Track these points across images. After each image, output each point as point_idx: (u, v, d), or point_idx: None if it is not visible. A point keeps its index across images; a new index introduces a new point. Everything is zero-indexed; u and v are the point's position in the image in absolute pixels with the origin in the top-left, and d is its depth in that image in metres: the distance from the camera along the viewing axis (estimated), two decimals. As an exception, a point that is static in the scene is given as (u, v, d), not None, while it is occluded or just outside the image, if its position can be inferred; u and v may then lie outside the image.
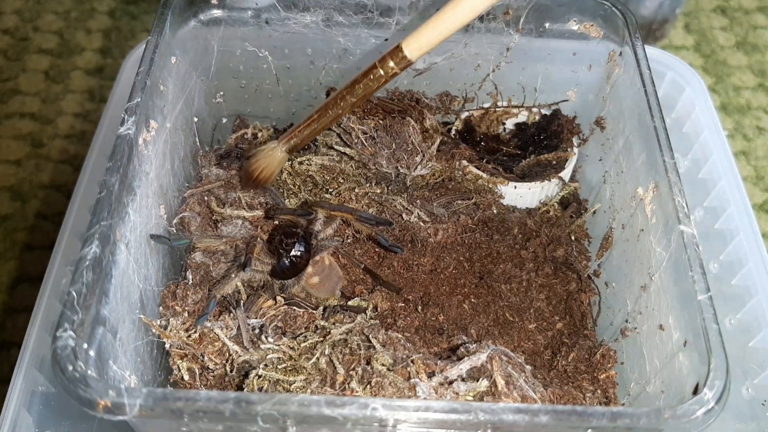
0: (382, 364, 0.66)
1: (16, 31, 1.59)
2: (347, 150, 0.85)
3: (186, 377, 0.72)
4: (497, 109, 0.95)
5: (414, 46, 0.69)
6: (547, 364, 0.76)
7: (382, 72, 0.71)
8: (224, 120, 1.00)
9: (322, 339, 0.71)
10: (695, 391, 0.56)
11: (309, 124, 0.75)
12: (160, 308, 0.75)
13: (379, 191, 0.83)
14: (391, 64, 0.70)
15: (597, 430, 0.55)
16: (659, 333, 0.67)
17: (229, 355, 0.73)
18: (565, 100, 0.94)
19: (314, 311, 0.74)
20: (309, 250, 0.74)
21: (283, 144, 0.77)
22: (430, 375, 0.65)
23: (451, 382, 0.64)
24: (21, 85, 1.48)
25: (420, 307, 0.77)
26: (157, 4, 0.82)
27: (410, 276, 0.79)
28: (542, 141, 0.93)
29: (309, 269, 0.75)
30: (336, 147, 0.86)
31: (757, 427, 0.76)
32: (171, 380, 0.74)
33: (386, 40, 0.89)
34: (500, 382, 0.64)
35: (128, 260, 0.67)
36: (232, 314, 0.75)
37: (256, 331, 0.74)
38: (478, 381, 0.64)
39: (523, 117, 0.96)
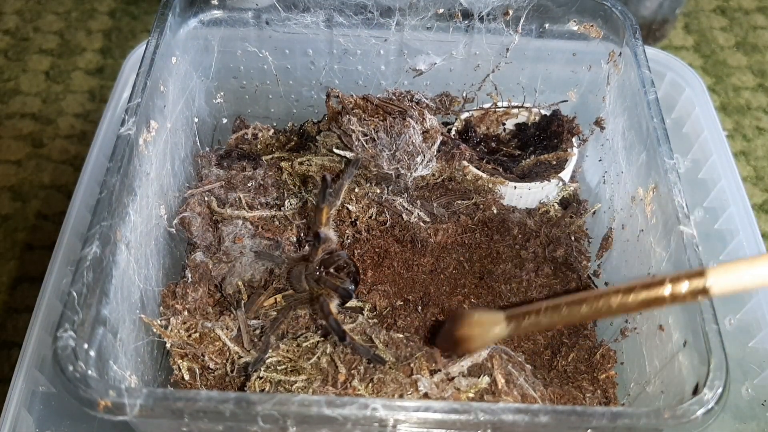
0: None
1: (17, 31, 1.59)
2: (347, 153, 0.85)
3: (186, 377, 0.72)
4: (497, 109, 0.95)
5: (723, 281, 0.54)
6: (547, 364, 0.76)
7: (668, 292, 0.55)
8: (224, 120, 1.00)
9: (323, 338, 0.71)
10: (695, 392, 0.56)
11: (548, 312, 0.60)
12: (161, 308, 0.75)
13: (379, 191, 0.83)
14: (685, 287, 0.55)
15: (597, 430, 0.55)
16: (659, 333, 0.67)
17: (230, 354, 0.73)
18: (565, 101, 0.94)
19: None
20: (355, 264, 0.75)
21: (510, 323, 0.62)
22: (433, 372, 0.65)
23: (452, 379, 0.64)
24: (22, 85, 1.48)
25: (420, 307, 0.77)
26: (158, 4, 0.82)
27: (410, 276, 0.79)
28: (542, 141, 0.93)
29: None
30: (336, 151, 0.86)
31: (757, 427, 0.76)
32: (171, 380, 0.74)
33: (386, 40, 0.89)
34: (500, 380, 0.64)
35: (128, 260, 0.67)
36: (232, 315, 0.75)
37: (257, 331, 0.74)
38: (479, 378, 0.64)
39: (523, 117, 0.96)
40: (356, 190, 0.83)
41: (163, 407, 0.52)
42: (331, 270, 0.72)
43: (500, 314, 0.62)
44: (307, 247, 0.81)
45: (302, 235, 0.83)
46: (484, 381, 0.64)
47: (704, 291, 0.55)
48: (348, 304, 0.76)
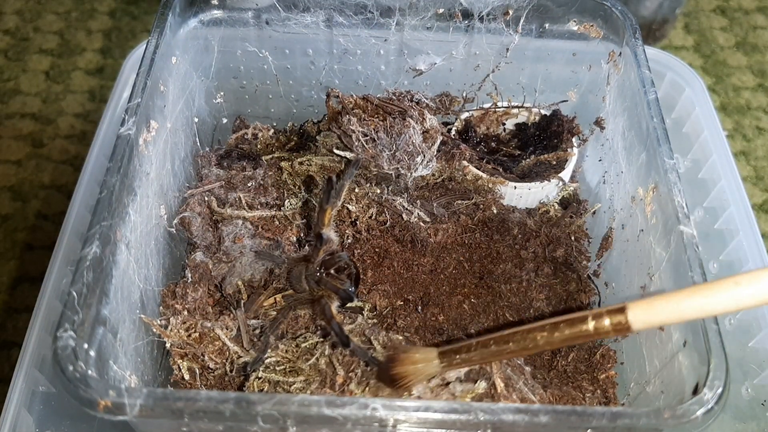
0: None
1: (17, 31, 1.59)
2: (347, 154, 0.85)
3: (186, 377, 0.72)
4: (497, 109, 0.95)
5: (642, 317, 0.55)
6: (547, 365, 0.76)
7: (591, 327, 0.57)
8: (224, 120, 1.00)
9: (322, 339, 0.71)
10: (695, 392, 0.56)
11: (478, 349, 0.61)
12: (161, 308, 0.75)
13: (379, 191, 0.83)
14: (606, 322, 0.56)
15: (597, 430, 0.55)
16: (659, 333, 0.67)
17: (230, 354, 0.73)
18: (564, 101, 0.94)
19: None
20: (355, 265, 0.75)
21: (443, 361, 0.63)
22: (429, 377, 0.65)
23: (447, 384, 0.64)
24: (22, 85, 1.48)
25: (420, 307, 0.77)
26: (158, 4, 0.82)
27: (410, 276, 0.79)
28: (542, 141, 0.93)
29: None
30: (336, 151, 0.86)
31: (757, 427, 0.76)
32: (171, 380, 0.74)
33: (386, 40, 0.89)
34: (499, 384, 0.64)
35: (128, 260, 0.67)
36: (232, 315, 0.75)
37: (257, 331, 0.74)
38: (475, 383, 0.64)
39: (523, 117, 0.96)
40: (356, 190, 0.83)
41: (163, 407, 0.52)
42: (332, 271, 0.72)
43: (433, 351, 0.63)
44: (307, 248, 0.81)
45: (302, 235, 0.83)
46: (481, 386, 0.64)
47: (626, 326, 0.56)
48: (348, 305, 0.76)
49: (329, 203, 0.73)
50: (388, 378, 0.64)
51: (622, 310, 0.56)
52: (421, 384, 0.64)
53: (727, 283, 0.52)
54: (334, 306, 0.71)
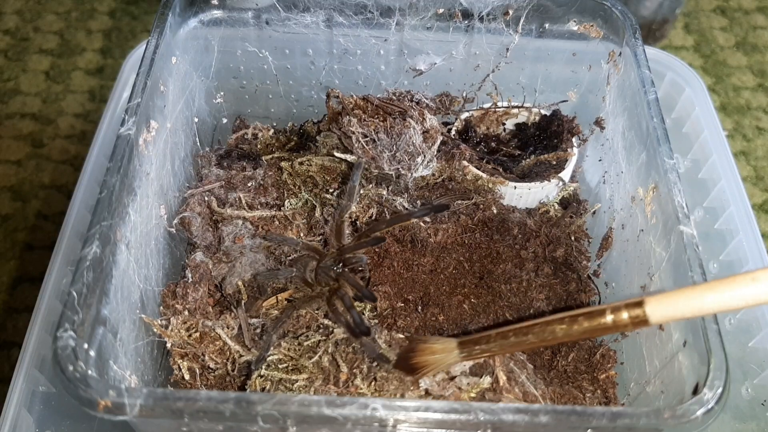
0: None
1: (17, 31, 1.59)
2: (348, 156, 0.85)
3: (187, 377, 0.72)
4: (497, 109, 0.95)
5: (659, 310, 0.56)
6: (547, 364, 0.76)
7: (610, 320, 0.58)
8: (224, 120, 1.00)
9: (325, 338, 0.71)
10: (695, 392, 0.56)
11: (498, 340, 0.62)
12: (161, 308, 0.75)
13: (379, 192, 0.83)
14: (625, 315, 0.57)
15: (597, 430, 0.55)
16: (659, 333, 0.67)
17: (230, 354, 0.73)
18: (564, 101, 0.94)
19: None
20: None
21: (462, 351, 0.64)
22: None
23: (453, 378, 0.64)
24: (21, 85, 1.48)
25: (420, 307, 0.77)
26: (158, 4, 0.82)
27: (410, 276, 0.79)
28: (542, 141, 0.93)
29: None
30: (336, 154, 0.86)
31: (757, 427, 0.76)
32: (171, 380, 0.74)
33: (386, 40, 0.89)
34: (502, 378, 0.64)
35: (128, 260, 0.67)
36: (233, 314, 0.75)
37: (257, 330, 0.74)
38: (481, 377, 0.64)
39: (523, 117, 0.96)
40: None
41: (163, 407, 0.52)
42: (346, 270, 0.73)
43: (453, 341, 0.64)
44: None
45: (302, 235, 0.83)
46: (486, 381, 0.64)
47: (643, 319, 0.57)
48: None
49: (344, 210, 0.76)
50: (408, 367, 0.64)
51: (640, 304, 0.57)
52: (428, 377, 0.64)
53: (744, 279, 0.53)
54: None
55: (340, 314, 0.70)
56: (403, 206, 0.83)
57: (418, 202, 0.84)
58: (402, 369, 0.66)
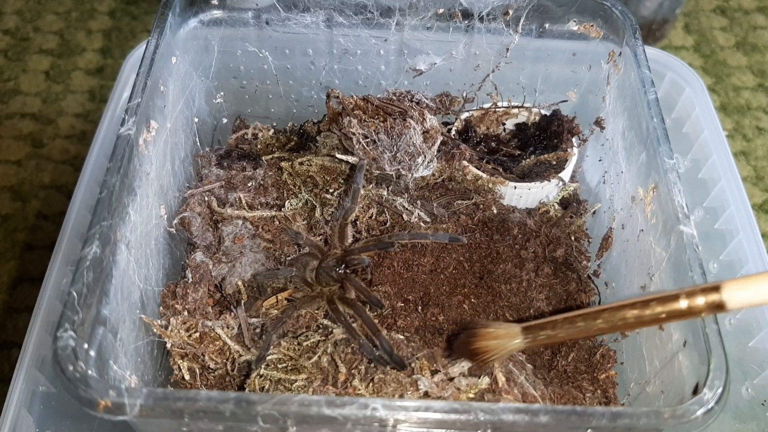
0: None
1: (17, 31, 1.59)
2: (349, 158, 0.85)
3: (187, 377, 0.73)
4: (497, 109, 0.95)
5: (738, 295, 0.54)
6: (547, 364, 0.76)
7: (684, 306, 0.56)
8: (224, 120, 1.00)
9: (324, 338, 0.71)
10: (695, 392, 0.56)
11: (564, 325, 0.61)
12: (161, 308, 0.75)
13: (379, 192, 0.83)
14: (701, 301, 0.55)
15: (597, 430, 0.55)
16: (659, 333, 0.67)
17: (230, 354, 0.73)
18: (564, 101, 0.94)
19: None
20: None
21: (527, 336, 0.62)
22: (434, 372, 0.65)
23: (452, 379, 0.64)
24: (22, 85, 1.48)
25: (420, 307, 0.77)
26: (158, 4, 0.82)
27: (410, 276, 0.79)
28: (542, 141, 0.93)
29: None
30: (337, 156, 0.86)
31: (757, 427, 0.76)
32: (171, 380, 0.74)
33: (386, 40, 0.89)
34: (501, 379, 0.64)
35: (128, 260, 0.67)
36: (233, 313, 0.75)
37: (257, 330, 0.74)
38: (479, 378, 0.64)
39: (523, 117, 0.96)
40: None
41: (163, 407, 0.52)
42: (349, 272, 0.73)
43: (516, 326, 0.62)
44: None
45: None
46: (485, 381, 0.64)
47: (720, 305, 0.55)
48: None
49: (348, 212, 0.76)
50: (468, 352, 0.63)
51: (716, 289, 0.55)
52: (427, 379, 0.64)
53: None
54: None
55: (341, 315, 0.70)
56: (403, 206, 0.83)
57: (418, 202, 0.84)
58: (462, 354, 0.64)
